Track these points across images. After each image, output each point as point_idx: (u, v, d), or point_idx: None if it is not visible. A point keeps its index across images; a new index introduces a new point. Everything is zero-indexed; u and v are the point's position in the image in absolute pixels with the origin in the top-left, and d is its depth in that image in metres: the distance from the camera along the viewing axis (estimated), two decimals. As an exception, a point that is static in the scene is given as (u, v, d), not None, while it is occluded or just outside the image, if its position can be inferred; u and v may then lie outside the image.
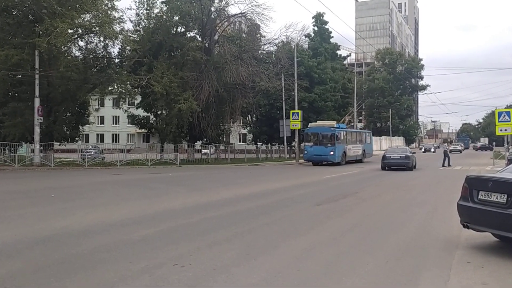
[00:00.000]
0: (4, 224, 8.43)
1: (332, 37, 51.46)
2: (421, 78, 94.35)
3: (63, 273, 5.27)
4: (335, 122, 36.32)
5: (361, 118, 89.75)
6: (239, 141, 51.18)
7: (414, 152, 32.06)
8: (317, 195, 13.87)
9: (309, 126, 34.07)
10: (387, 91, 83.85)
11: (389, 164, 26.55)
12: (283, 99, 39.23)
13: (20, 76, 28.82)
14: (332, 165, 30.71)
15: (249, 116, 47.41)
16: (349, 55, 71.44)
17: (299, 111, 36.30)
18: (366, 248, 6.72)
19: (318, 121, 36.25)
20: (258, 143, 46.13)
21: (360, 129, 65.01)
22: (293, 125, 36.24)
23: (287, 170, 27.15)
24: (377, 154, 42.60)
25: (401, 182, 18.41)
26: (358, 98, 57.91)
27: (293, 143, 40.14)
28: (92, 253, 6.24)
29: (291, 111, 36.72)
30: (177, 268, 5.51)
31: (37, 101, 26.86)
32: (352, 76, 57.27)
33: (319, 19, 50.55)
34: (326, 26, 50.77)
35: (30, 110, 27.64)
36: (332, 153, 30.84)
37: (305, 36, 48.48)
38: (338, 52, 53.55)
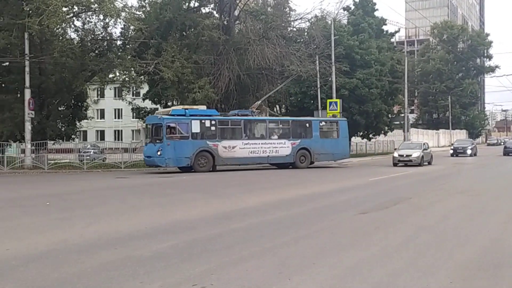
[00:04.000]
0: (-3, 237, 8.69)
1: (377, 9, 50.97)
2: (489, 57, 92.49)
3: (64, 295, 5.40)
4: (197, 107, 28.03)
5: (413, 107, 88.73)
6: (265, 137, 51.18)
7: None
8: (362, 201, 13.77)
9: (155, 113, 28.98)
10: (445, 74, 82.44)
11: (509, 151, 44.21)
12: (318, 86, 39.03)
13: (7, 63, 29.55)
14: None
15: (277, 107, 47.43)
16: (398, 31, 70.36)
17: (338, 100, 36.07)
18: (426, 267, 6.63)
19: (185, 106, 28.02)
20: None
21: (415, 120, 63.55)
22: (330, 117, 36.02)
23: (323, 171, 27.03)
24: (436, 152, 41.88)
25: (465, 186, 18.11)
26: (409, 83, 57.25)
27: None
28: (97, 272, 6.34)
29: (328, 100, 36.51)
30: (196, 290, 5.56)
31: (27, 93, 27.52)
32: (402, 57, 56.56)
33: (360, -12, 50.11)
34: (371, -4, 50.31)
35: (20, 103, 28.33)
36: (159, 153, 24.93)
37: (344, 9, 48.17)
38: (385, 27, 53.01)
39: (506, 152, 44.89)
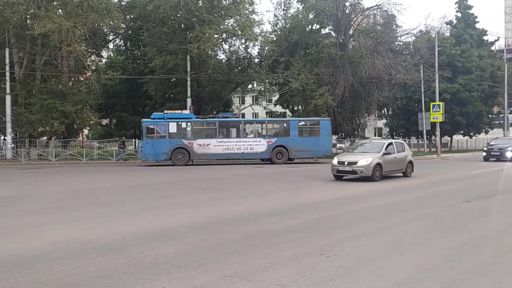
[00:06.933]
0: (168, 210, 9.42)
1: (478, 22, 46.71)
2: None
3: (220, 256, 5.69)
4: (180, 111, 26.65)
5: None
6: (375, 135, 49.44)
7: None
8: (464, 191, 12.76)
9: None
10: (545, 77, 73.34)
11: None
12: (422, 91, 36.88)
13: (174, 79, 31.84)
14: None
15: (385, 110, 45.63)
16: (498, 40, 63.78)
17: (441, 103, 33.73)
18: (529, 251, 5.99)
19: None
20: (394, 137, 44.19)
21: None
22: (433, 118, 33.84)
23: (428, 165, 25.40)
24: None
25: None
26: (509, 86, 51.71)
27: (433, 136, 37.52)
28: (244, 240, 6.60)
29: (432, 103, 34.29)
30: (323, 258, 5.56)
31: (189, 101, 29.44)
32: (502, 63, 51.20)
33: (462, 4, 46.25)
34: (471, 11, 46.27)
35: (183, 109, 30.31)
36: (141, 148, 25.07)
37: (447, 23, 44.80)
38: (485, 37, 48.44)
39: None
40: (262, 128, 26.94)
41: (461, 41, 42.27)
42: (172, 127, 24.76)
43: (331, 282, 4.72)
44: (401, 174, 16.74)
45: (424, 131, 36.53)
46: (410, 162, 17.18)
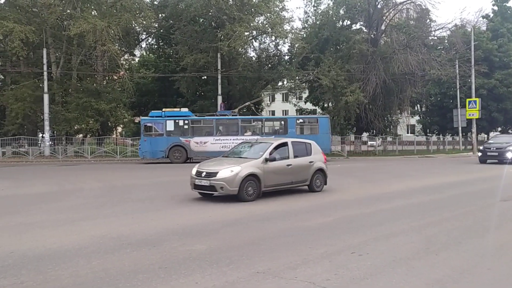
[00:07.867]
0: (201, 205, 9.53)
1: (516, 14, 45.00)
2: None
3: (252, 252, 5.73)
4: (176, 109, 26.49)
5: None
6: (407, 132, 48.41)
7: None
8: (502, 189, 12.29)
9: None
10: None
11: None
12: (457, 87, 35.86)
13: (205, 77, 32.15)
14: None
15: (418, 106, 44.65)
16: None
17: (477, 99, 32.74)
18: None
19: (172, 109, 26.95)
20: (428, 134, 43.18)
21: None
22: (469, 114, 32.87)
23: (463, 163, 24.72)
24: None
25: None
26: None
27: (469, 133, 36.45)
28: (276, 237, 6.61)
29: (467, 100, 33.33)
30: (355, 256, 5.51)
31: (219, 99, 29.70)
32: (542, 57, 49.17)
33: (500, -3, 44.68)
34: (508, 4, 44.61)
35: (214, 107, 30.69)
36: (140, 146, 25.05)
37: (483, 17, 43.45)
38: (523, 31, 46.69)
39: None
40: (260, 126, 26.37)
41: (498, 35, 40.88)
42: (170, 125, 24.70)
43: (363, 281, 4.67)
44: (306, 188, 11.65)
45: (460, 128, 35.53)
46: (320, 170, 11.80)
